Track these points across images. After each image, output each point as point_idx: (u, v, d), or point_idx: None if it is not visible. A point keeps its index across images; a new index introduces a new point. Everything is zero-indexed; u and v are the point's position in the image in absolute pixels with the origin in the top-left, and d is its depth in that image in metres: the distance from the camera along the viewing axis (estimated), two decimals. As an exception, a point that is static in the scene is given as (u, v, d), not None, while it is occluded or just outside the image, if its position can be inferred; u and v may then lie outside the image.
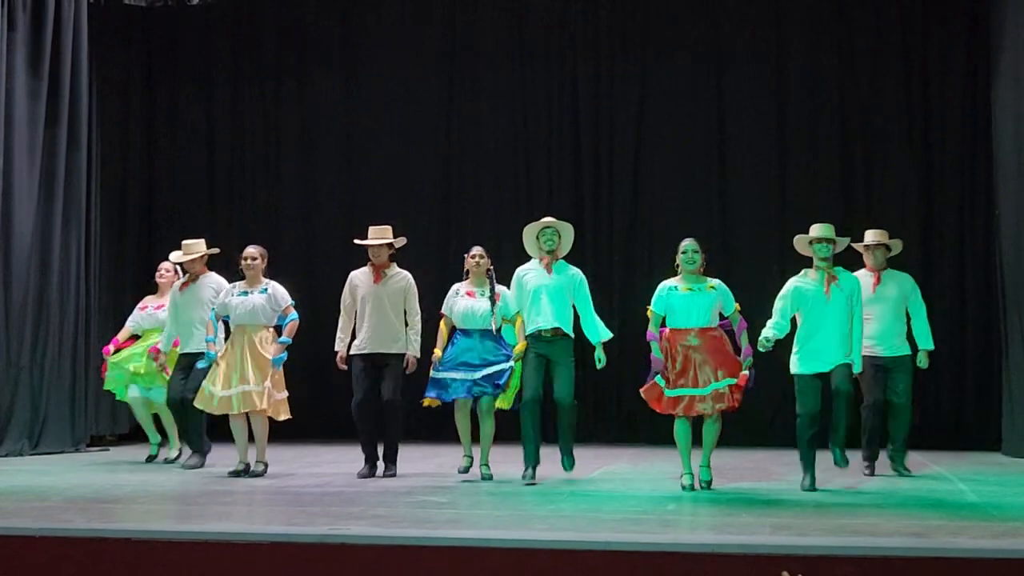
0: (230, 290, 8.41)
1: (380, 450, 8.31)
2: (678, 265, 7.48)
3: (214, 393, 8.11)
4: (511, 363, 7.82)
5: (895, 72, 11.28)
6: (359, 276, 8.44)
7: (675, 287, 7.41)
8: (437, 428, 11.43)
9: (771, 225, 11.15)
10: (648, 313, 7.44)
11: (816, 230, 7.57)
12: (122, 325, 9.69)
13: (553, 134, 11.96)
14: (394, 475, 8.21)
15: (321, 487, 7.60)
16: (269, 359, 8.10)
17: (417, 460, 9.19)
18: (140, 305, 9.64)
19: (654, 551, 4.91)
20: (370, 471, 8.19)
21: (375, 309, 8.27)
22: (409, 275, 8.48)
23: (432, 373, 7.96)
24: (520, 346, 7.77)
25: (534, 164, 11.99)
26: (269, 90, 12.50)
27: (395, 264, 8.49)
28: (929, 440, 9.86)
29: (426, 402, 8.04)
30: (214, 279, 9.07)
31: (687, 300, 7.33)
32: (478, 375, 7.80)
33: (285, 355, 8.20)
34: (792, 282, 7.49)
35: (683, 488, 7.22)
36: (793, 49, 11.50)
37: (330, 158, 12.39)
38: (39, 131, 10.36)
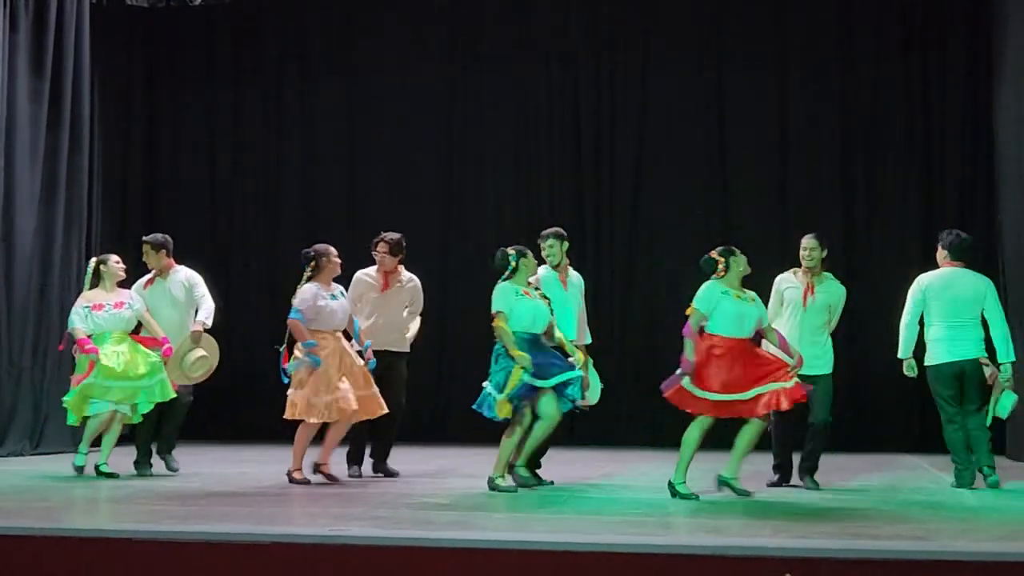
0: (317, 294, 7.68)
1: (368, 450, 8.35)
2: (723, 269, 7.07)
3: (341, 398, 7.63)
4: (578, 371, 7.31)
5: (896, 74, 11.29)
6: (367, 278, 8.39)
7: (728, 291, 7.03)
8: (435, 430, 11.46)
9: (772, 227, 11.15)
10: (689, 311, 6.99)
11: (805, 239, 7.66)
12: None
13: (554, 135, 11.98)
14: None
15: (322, 488, 7.59)
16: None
17: (418, 462, 9.19)
18: (92, 303, 8.15)
19: (655, 553, 4.91)
20: (360, 471, 8.26)
21: (382, 311, 8.27)
22: (416, 279, 8.49)
23: (525, 379, 7.13)
24: (581, 355, 7.43)
25: (535, 165, 12.00)
26: (271, 91, 12.51)
27: (403, 268, 8.46)
28: (930, 443, 9.85)
29: (506, 412, 7.26)
30: (184, 273, 8.53)
31: (741, 309, 7.00)
32: (555, 383, 7.21)
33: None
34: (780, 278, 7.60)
35: (684, 496, 6.88)
36: (794, 52, 11.51)
37: (331, 159, 12.41)
38: (41, 133, 10.37)
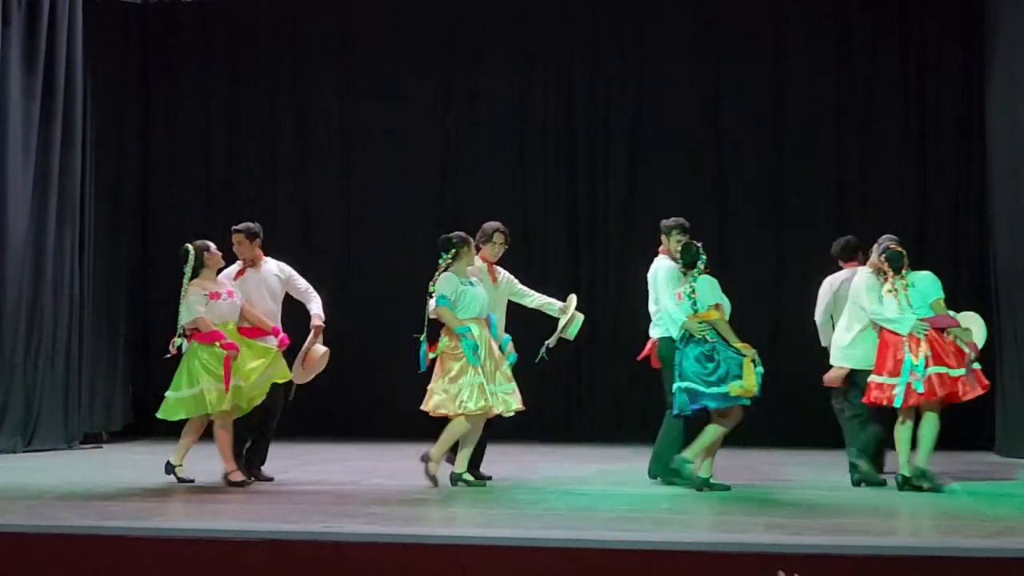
0: (458, 280, 7.42)
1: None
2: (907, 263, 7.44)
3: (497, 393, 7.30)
4: None
5: (890, 72, 11.29)
6: (473, 275, 7.67)
7: None
8: (430, 427, 11.45)
9: (766, 225, 11.15)
10: (940, 303, 7.33)
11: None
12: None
13: (549, 134, 11.95)
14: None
15: (316, 485, 7.59)
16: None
17: (412, 459, 9.18)
18: (209, 291, 7.54)
19: (648, 549, 4.92)
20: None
21: (493, 307, 7.67)
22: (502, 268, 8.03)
23: (760, 371, 7.12)
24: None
25: (531, 164, 11.96)
26: (265, 87, 12.46)
27: None
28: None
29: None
30: (274, 263, 8.01)
31: None
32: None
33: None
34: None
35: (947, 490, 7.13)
36: (789, 49, 11.50)
37: (327, 156, 12.36)
38: (33, 129, 10.32)
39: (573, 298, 7.81)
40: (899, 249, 7.39)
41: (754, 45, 11.53)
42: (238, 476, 7.37)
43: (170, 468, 7.58)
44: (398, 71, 12.09)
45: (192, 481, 7.49)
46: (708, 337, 7.08)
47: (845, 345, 7.64)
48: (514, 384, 7.42)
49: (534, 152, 11.96)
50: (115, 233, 11.69)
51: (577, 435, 11.22)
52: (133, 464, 9.20)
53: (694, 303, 7.17)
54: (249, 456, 7.75)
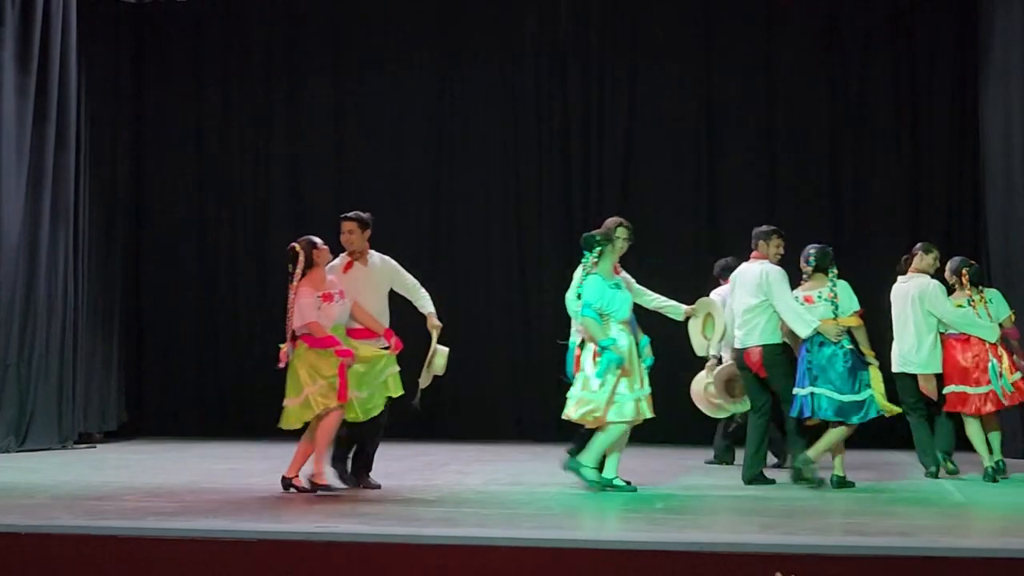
0: (606, 284, 7.06)
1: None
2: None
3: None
4: None
5: (884, 75, 11.30)
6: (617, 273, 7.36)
7: None
8: (423, 426, 11.45)
9: (760, 224, 11.14)
10: (1012, 318, 7.72)
11: None
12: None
13: (543, 137, 11.94)
14: None
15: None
16: None
17: (405, 458, 9.19)
18: (320, 293, 7.04)
19: (642, 550, 4.92)
20: None
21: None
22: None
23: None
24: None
25: (524, 167, 11.95)
26: (259, 88, 12.45)
27: None
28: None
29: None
30: (377, 256, 7.53)
31: None
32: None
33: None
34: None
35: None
36: (782, 53, 11.50)
37: (321, 157, 12.35)
38: (27, 129, 10.30)
39: (713, 302, 7.73)
40: (977, 265, 7.70)
41: (747, 43, 11.54)
42: (322, 480, 7.02)
43: (287, 483, 7.04)
44: (392, 70, 12.08)
45: (314, 490, 6.98)
46: (844, 343, 7.07)
47: (925, 352, 7.72)
48: (648, 390, 7.13)
49: (528, 150, 11.95)
50: (109, 233, 11.67)
51: (571, 436, 11.20)
52: (127, 464, 9.19)
53: (836, 307, 7.14)
54: (355, 462, 7.39)
